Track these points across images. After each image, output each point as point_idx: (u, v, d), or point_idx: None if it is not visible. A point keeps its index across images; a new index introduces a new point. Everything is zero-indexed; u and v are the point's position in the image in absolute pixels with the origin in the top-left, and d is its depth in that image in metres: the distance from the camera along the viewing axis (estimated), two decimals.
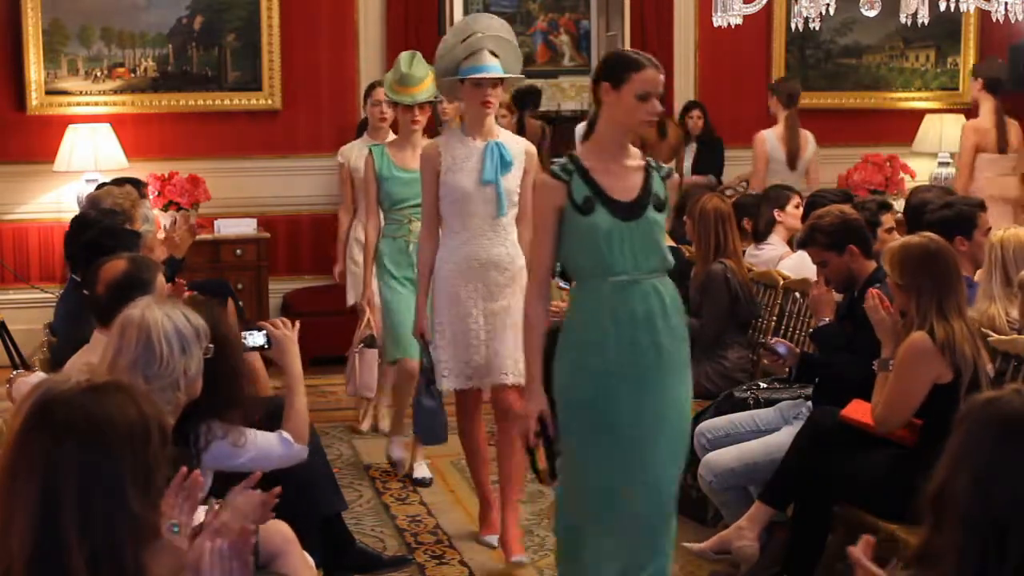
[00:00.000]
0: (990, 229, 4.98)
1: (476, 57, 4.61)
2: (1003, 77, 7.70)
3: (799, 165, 7.72)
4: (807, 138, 7.80)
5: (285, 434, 3.55)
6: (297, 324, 3.81)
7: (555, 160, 3.69)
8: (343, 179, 6.64)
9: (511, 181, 4.68)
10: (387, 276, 5.60)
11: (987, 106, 7.74)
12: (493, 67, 4.61)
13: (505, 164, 4.66)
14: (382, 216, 5.64)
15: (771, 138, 7.75)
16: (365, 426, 6.60)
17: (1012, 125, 7.68)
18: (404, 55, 5.59)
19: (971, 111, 9.13)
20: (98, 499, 1.86)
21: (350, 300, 6.58)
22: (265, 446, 3.47)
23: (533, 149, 4.81)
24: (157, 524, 1.94)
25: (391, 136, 6.31)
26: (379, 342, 5.85)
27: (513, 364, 4.61)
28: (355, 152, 6.48)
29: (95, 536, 1.85)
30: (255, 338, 3.74)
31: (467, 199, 4.64)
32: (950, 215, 5.03)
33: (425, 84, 5.46)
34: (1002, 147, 7.56)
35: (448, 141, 4.76)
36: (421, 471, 5.72)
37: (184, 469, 2.55)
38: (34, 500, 1.86)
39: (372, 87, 6.68)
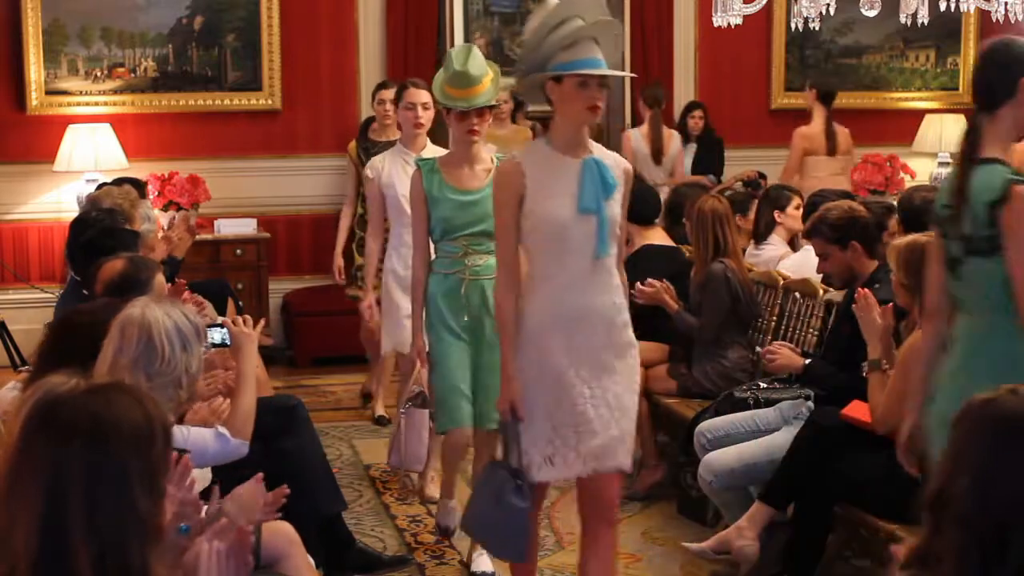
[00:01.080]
0: None
1: (579, 49, 3.55)
2: (835, 91, 8.30)
3: (664, 161, 8.50)
4: (672, 137, 8.56)
5: (221, 429, 3.50)
6: (262, 323, 3.81)
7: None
8: (372, 197, 5.51)
9: (615, 208, 3.65)
10: (438, 325, 4.49)
11: (819, 114, 8.15)
12: (604, 62, 3.59)
13: (607, 187, 3.62)
14: (432, 249, 4.59)
15: (636, 136, 8.54)
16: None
17: (842, 132, 8.14)
18: (457, 50, 4.56)
19: (966, 111, 9.16)
20: (104, 500, 1.86)
21: (386, 347, 5.52)
22: (199, 442, 3.42)
23: (629, 167, 3.83)
24: (162, 524, 1.94)
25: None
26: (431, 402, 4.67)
27: (626, 449, 3.74)
28: (387, 165, 5.46)
29: (101, 537, 1.85)
30: (214, 334, 3.76)
31: (565, 233, 3.59)
32: None
33: (484, 85, 4.45)
34: (831, 151, 8.09)
35: (531, 157, 3.71)
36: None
37: (175, 455, 2.55)
38: (39, 501, 1.86)
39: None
